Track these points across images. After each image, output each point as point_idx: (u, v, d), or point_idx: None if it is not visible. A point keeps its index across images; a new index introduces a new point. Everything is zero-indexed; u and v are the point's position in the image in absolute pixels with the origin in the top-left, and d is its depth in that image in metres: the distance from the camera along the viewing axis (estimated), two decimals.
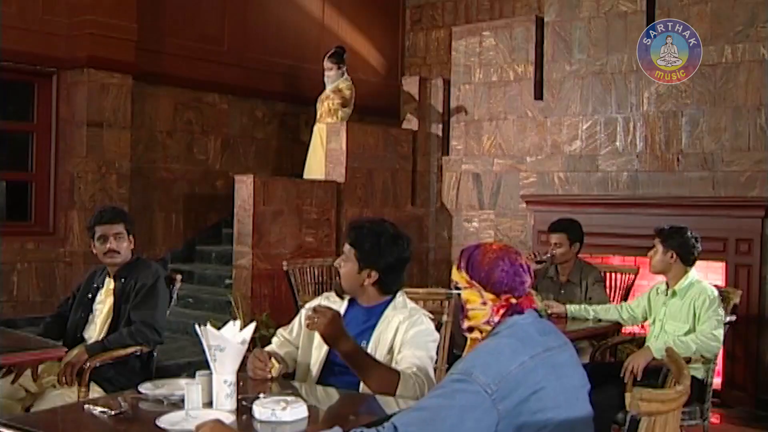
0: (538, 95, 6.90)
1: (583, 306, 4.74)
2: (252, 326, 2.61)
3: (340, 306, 3.03)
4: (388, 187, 7.15)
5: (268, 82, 7.90)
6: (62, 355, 3.55)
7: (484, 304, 2.22)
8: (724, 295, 4.34)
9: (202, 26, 7.56)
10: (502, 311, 2.20)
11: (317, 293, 5.54)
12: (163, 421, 2.28)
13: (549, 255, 5.11)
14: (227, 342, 2.43)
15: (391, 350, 2.88)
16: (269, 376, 2.82)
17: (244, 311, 5.90)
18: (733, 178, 5.92)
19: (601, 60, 6.54)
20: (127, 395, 2.60)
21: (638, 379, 3.97)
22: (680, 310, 4.25)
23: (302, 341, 3.06)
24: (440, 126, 7.50)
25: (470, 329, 2.25)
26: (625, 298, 5.40)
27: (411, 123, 7.50)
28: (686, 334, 4.15)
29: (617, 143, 6.49)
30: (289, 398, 2.36)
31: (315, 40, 8.30)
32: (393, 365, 2.81)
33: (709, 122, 6.03)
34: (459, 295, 2.28)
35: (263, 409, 2.31)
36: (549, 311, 4.67)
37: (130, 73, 6.78)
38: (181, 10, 7.41)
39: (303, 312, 3.07)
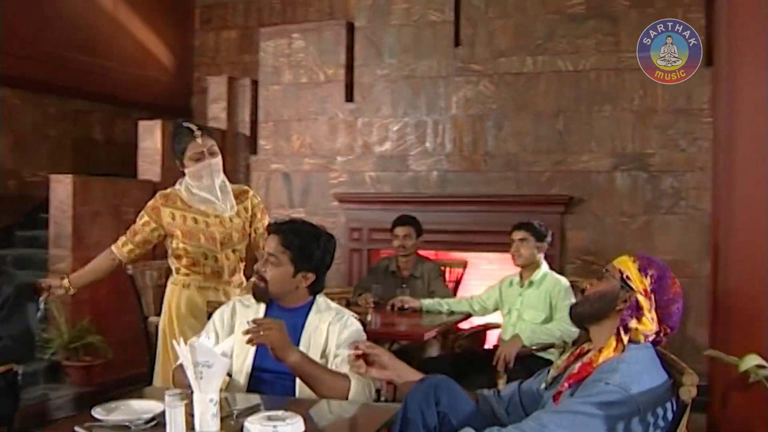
0: (349, 97, 7.10)
1: (436, 300, 4.96)
2: (232, 338, 2.49)
3: (257, 310, 2.93)
4: None
5: (61, 77, 7.38)
6: None
7: (652, 320, 2.32)
8: (574, 285, 4.78)
9: None
10: (655, 337, 2.34)
11: (157, 297, 5.30)
12: None
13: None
14: (216, 357, 2.22)
15: (324, 353, 2.83)
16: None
17: (66, 318, 5.50)
18: (535, 178, 6.50)
19: (411, 65, 6.88)
20: (84, 424, 2.26)
21: (510, 366, 4.25)
22: (537, 300, 4.60)
23: (222, 347, 2.93)
24: (248, 125, 7.46)
25: (626, 329, 2.31)
26: (455, 291, 5.74)
27: (219, 122, 7.38)
28: (543, 322, 4.52)
29: (427, 144, 6.86)
30: (279, 413, 2.17)
31: (107, 36, 7.89)
32: (332, 369, 2.77)
33: (513, 126, 6.57)
34: (626, 286, 2.33)
35: (263, 427, 2.09)
36: (405, 306, 4.84)
37: None
38: None
39: (217, 312, 2.98)
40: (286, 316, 2.81)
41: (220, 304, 3.16)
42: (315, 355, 2.82)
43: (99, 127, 7.45)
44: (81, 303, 5.58)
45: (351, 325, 2.91)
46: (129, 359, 5.75)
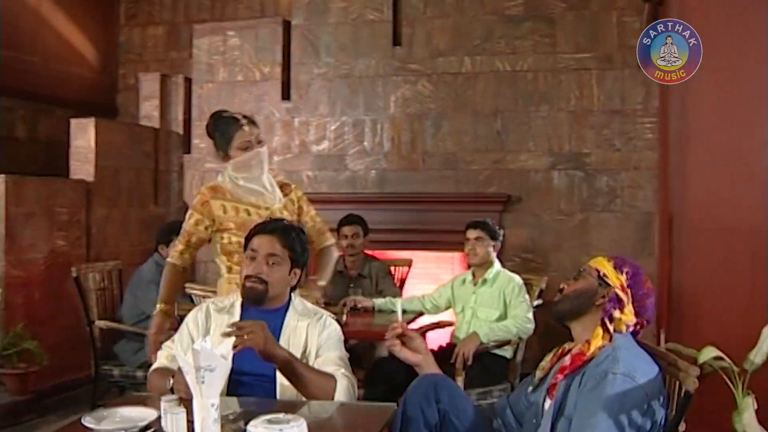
0: (286, 96, 7.03)
1: (388, 299, 4.94)
2: (231, 341, 2.41)
3: (232, 312, 2.85)
4: (133, 186, 6.78)
5: None
6: None
7: (631, 312, 2.43)
8: (527, 283, 4.84)
9: None
10: (633, 328, 2.45)
11: (101, 300, 5.14)
12: None
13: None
14: (218, 361, 2.14)
15: (304, 354, 2.78)
16: None
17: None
18: (473, 177, 6.57)
19: (348, 64, 6.86)
20: None
21: (468, 363, 4.27)
22: (491, 298, 4.63)
23: None
24: (181, 124, 7.30)
25: (611, 319, 2.41)
26: (400, 290, 5.73)
27: (151, 120, 7.20)
28: (498, 319, 4.55)
29: (365, 143, 6.84)
30: (280, 416, 2.09)
31: (30, 31, 7.58)
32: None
33: (451, 126, 6.62)
34: (603, 283, 2.44)
35: (268, 431, 2.01)
36: (358, 306, 4.81)
37: None
38: None
39: (190, 316, 2.88)
40: (264, 317, 2.72)
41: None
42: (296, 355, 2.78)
43: (22, 125, 7.15)
44: (14, 308, 5.35)
45: (330, 325, 2.88)
46: (66, 365, 5.55)
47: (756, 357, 2.73)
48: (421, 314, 4.99)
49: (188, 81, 7.29)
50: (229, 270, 3.49)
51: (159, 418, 2.19)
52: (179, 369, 2.45)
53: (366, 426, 2.32)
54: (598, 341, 2.38)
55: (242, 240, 3.03)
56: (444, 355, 4.39)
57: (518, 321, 4.44)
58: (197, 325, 2.87)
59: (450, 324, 5.01)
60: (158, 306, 3.54)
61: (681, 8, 3.81)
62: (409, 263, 5.96)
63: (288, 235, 2.87)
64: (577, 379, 2.33)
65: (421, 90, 6.69)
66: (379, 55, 6.78)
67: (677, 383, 2.34)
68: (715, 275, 3.54)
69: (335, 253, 3.91)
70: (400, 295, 5.34)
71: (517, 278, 4.70)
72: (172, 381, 2.53)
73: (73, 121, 6.36)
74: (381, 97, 6.79)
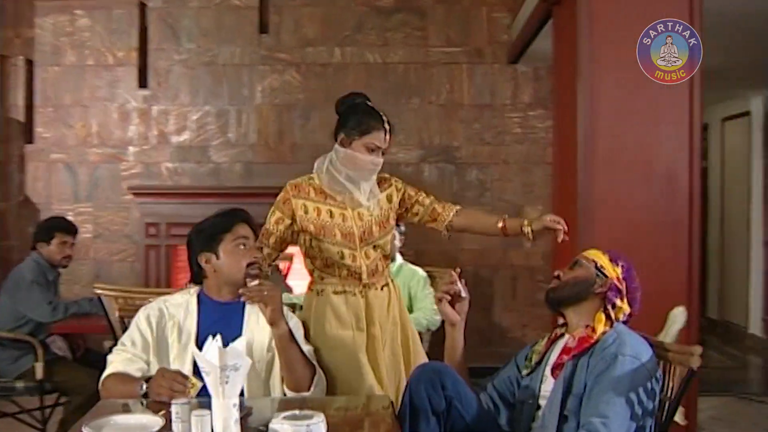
0: (143, 83, 6.60)
1: (285, 294, 4.73)
2: (243, 338, 2.30)
3: (188, 309, 2.69)
4: None
5: None
6: None
7: (626, 303, 2.55)
8: (431, 275, 4.77)
9: None
10: (625, 318, 2.55)
11: None
12: None
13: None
14: (244, 359, 2.05)
15: (269, 348, 2.66)
16: (189, 396, 2.28)
17: None
18: None
19: (212, 51, 6.54)
20: None
21: None
22: None
23: (154, 353, 2.64)
24: (22, 110, 6.67)
25: (613, 306, 2.51)
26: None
27: None
28: None
29: (230, 135, 6.56)
30: (296, 412, 2.04)
31: None
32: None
33: (321, 117, 6.46)
34: (601, 273, 2.53)
35: (296, 427, 1.96)
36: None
37: None
38: None
39: (141, 317, 2.68)
40: (222, 310, 2.64)
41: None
42: (260, 348, 2.65)
43: None
44: None
45: (291, 318, 2.78)
46: None
47: (666, 338, 2.84)
48: None
49: (30, 63, 6.68)
50: (312, 274, 3.17)
51: (168, 423, 2.08)
52: (162, 371, 2.39)
53: (376, 414, 2.33)
54: (601, 326, 2.48)
55: (322, 244, 2.98)
56: None
57: (427, 313, 4.39)
58: (151, 325, 2.67)
59: None
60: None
61: (579, 7, 3.87)
62: (290, 257, 5.75)
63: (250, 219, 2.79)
64: (583, 360, 2.42)
65: (289, 80, 6.50)
66: (244, 43, 6.51)
67: (669, 366, 2.50)
68: None
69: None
70: (290, 291, 5.13)
71: (421, 271, 4.64)
72: (145, 385, 2.40)
73: None
74: (247, 87, 6.53)
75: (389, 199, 3.16)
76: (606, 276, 2.53)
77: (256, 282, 2.54)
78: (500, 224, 3.00)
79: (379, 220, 3.10)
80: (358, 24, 6.44)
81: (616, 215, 3.77)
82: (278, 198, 3.13)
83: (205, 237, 2.70)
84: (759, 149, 7.25)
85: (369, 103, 3.18)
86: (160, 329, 2.66)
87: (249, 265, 2.65)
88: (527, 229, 2.94)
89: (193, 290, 2.75)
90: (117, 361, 2.61)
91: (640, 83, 3.82)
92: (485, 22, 6.37)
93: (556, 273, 2.62)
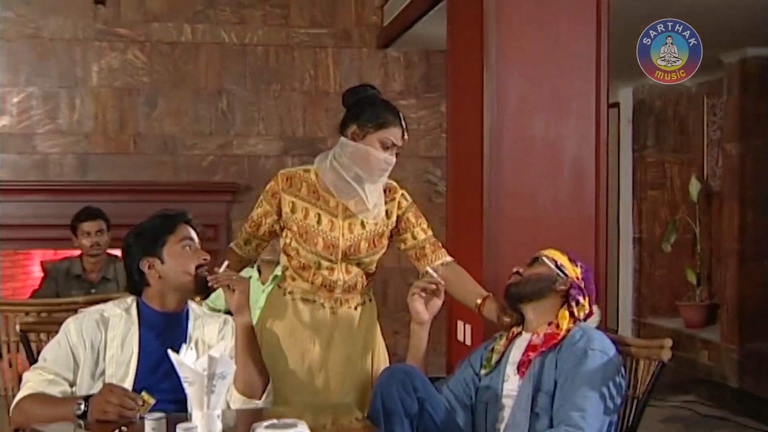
0: None
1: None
2: (223, 343, 2.34)
3: (129, 321, 2.46)
4: None
5: None
6: None
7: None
8: None
9: None
10: (584, 317, 2.58)
11: None
12: None
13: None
14: (231, 367, 2.07)
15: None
16: (139, 414, 2.13)
17: None
18: (196, 163, 5.81)
19: (36, 22, 5.64)
20: None
21: None
22: None
23: (85, 371, 2.38)
24: None
25: (578, 304, 2.55)
26: None
27: None
28: None
29: (60, 121, 5.71)
30: (275, 421, 1.99)
31: None
32: None
33: (169, 104, 5.78)
34: (561, 272, 2.57)
35: None
36: None
37: None
38: None
39: (71, 329, 2.42)
40: (166, 322, 2.47)
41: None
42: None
43: None
44: None
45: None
46: None
47: None
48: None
49: None
50: (285, 270, 2.90)
51: None
52: (109, 387, 2.22)
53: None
54: (565, 323, 2.52)
55: (301, 248, 2.75)
56: None
57: None
58: (83, 340, 2.42)
59: None
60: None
61: None
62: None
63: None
64: (551, 356, 2.46)
65: (131, 60, 5.72)
66: (76, 15, 5.66)
67: (632, 362, 2.62)
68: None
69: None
70: None
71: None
72: (83, 405, 2.19)
73: None
74: (80, 66, 5.69)
75: (388, 215, 2.85)
76: (566, 275, 2.58)
77: (225, 265, 2.47)
78: (479, 301, 2.78)
79: (371, 236, 2.81)
80: None
81: (524, 211, 3.62)
82: (267, 188, 2.85)
83: (146, 241, 2.48)
84: (628, 141, 7.13)
85: (382, 97, 2.88)
86: (96, 343, 2.44)
87: (198, 267, 2.46)
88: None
89: (130, 299, 2.53)
90: (35, 382, 2.36)
91: (546, 74, 3.62)
92: (353, 2, 5.85)
93: (515, 269, 2.63)
